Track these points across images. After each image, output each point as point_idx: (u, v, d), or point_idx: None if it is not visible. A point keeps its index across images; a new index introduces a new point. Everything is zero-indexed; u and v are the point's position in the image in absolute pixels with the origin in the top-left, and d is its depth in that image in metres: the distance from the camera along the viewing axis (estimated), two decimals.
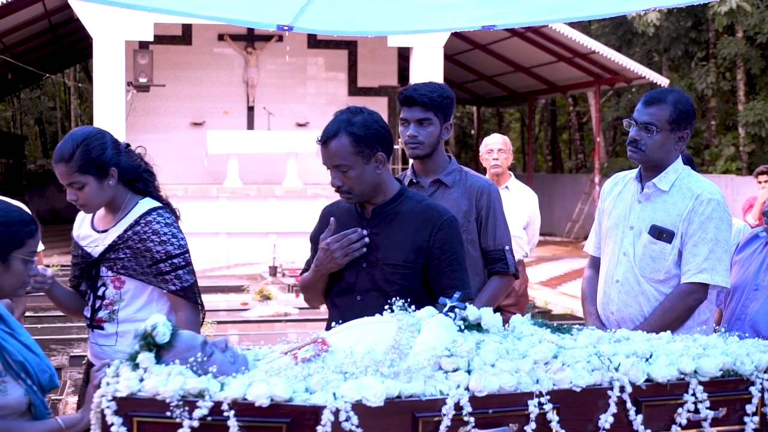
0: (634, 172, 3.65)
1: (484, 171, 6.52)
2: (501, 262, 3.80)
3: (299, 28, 3.74)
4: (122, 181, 3.29)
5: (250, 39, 18.70)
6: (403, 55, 18.65)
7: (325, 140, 3.09)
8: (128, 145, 3.37)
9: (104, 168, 3.21)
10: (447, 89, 3.78)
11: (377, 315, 2.73)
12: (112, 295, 3.30)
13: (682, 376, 2.64)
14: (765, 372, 2.73)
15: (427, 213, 3.15)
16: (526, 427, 2.43)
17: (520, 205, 6.40)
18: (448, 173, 3.81)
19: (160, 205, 3.35)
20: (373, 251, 3.15)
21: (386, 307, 2.71)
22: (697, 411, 2.63)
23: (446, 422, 2.34)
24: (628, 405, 2.56)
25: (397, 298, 2.74)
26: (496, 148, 6.41)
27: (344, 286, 3.22)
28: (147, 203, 3.33)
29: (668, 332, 3.01)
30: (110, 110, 15.03)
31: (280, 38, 18.82)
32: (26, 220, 2.68)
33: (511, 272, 3.81)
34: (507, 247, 3.81)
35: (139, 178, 3.34)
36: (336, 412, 2.24)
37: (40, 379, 2.66)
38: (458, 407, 2.36)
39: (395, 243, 3.13)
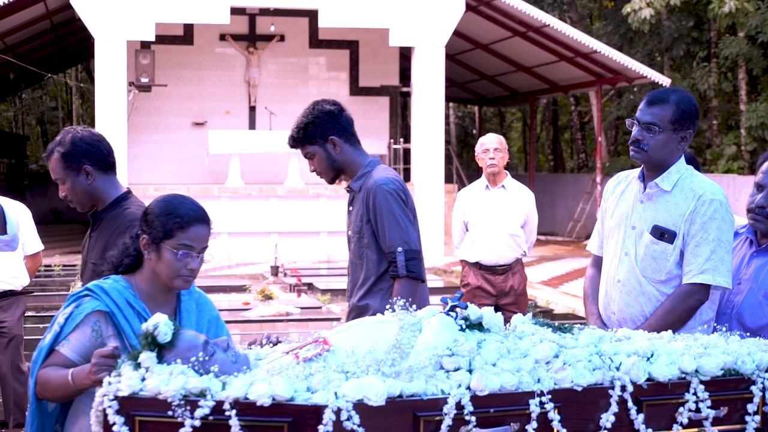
0: (637, 171, 3.64)
1: (480, 170, 6.55)
2: (393, 266, 3.72)
3: None
4: None
5: (252, 39, 18.69)
6: (405, 55, 18.63)
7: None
8: None
9: None
10: (312, 112, 3.88)
11: (378, 315, 2.74)
12: None
13: (683, 375, 2.64)
14: (766, 371, 2.73)
15: (114, 217, 3.45)
16: (527, 427, 2.43)
17: (517, 204, 6.41)
18: (357, 179, 3.88)
19: None
20: (89, 253, 3.52)
21: None
22: (698, 410, 2.63)
23: (447, 421, 2.35)
24: (630, 404, 2.56)
25: None
26: (492, 147, 6.41)
27: None
28: None
29: (669, 332, 3.01)
30: (112, 110, 15.05)
31: (282, 38, 18.81)
32: (179, 213, 2.77)
33: (402, 274, 3.69)
34: (399, 249, 3.70)
35: None
36: (337, 412, 2.25)
37: None
38: (460, 406, 2.36)
39: (96, 246, 3.46)
